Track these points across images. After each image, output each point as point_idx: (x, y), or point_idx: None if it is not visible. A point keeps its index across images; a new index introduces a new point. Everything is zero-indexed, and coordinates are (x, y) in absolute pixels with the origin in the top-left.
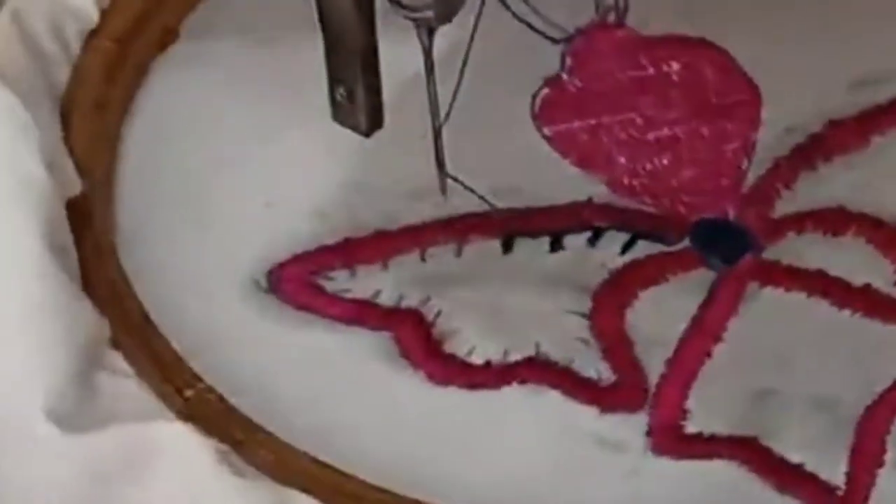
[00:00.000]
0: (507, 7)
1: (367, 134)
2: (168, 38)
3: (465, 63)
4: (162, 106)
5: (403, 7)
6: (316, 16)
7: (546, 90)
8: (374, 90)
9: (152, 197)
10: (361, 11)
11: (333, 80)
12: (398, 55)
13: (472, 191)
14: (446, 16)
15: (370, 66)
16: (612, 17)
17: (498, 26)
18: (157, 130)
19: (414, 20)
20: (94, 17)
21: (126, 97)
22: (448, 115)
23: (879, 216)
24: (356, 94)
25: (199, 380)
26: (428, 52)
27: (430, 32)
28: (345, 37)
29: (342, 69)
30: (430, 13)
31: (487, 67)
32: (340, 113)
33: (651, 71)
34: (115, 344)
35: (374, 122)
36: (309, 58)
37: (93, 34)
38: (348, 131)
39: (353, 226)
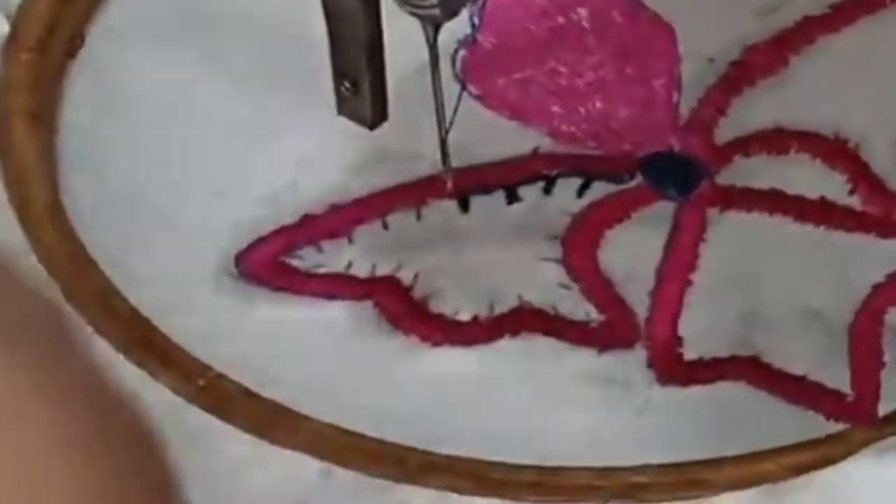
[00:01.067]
0: None
1: (372, 126)
2: (75, 43)
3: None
4: (88, 112)
5: (409, 3)
6: (322, 9)
7: (463, 51)
8: (380, 82)
9: (105, 206)
10: (367, 3)
11: (338, 73)
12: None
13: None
14: (452, 11)
15: (376, 58)
16: None
17: None
18: (91, 138)
19: (419, 16)
20: (3, 28)
21: (53, 107)
22: (455, 111)
23: (816, 130)
24: (362, 87)
25: (209, 368)
26: (433, 47)
27: (436, 28)
28: (350, 29)
29: (347, 62)
30: (435, 9)
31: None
32: (345, 105)
33: (561, 20)
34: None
35: (379, 114)
36: (227, 46)
37: (9, 46)
38: (283, 114)
39: (305, 205)
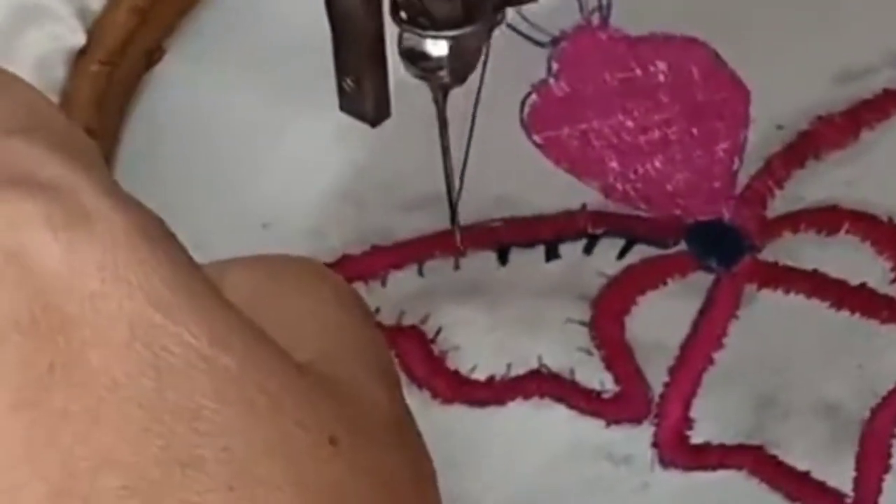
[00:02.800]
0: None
1: (374, 124)
2: (155, 56)
3: (474, 112)
4: (151, 128)
5: (417, 66)
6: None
7: (534, 96)
8: (381, 80)
9: None
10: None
11: (341, 70)
12: None
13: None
14: (461, 76)
15: (377, 55)
16: (596, 18)
17: None
18: (146, 155)
19: (428, 80)
20: (81, 41)
21: (115, 122)
22: (463, 171)
23: (872, 213)
24: (364, 84)
25: None
26: (442, 112)
27: (445, 92)
28: (352, 26)
29: (350, 59)
30: (444, 74)
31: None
32: (347, 102)
33: (638, 72)
34: None
35: (380, 111)
36: (302, 76)
37: (80, 57)
38: (340, 147)
39: (349, 242)
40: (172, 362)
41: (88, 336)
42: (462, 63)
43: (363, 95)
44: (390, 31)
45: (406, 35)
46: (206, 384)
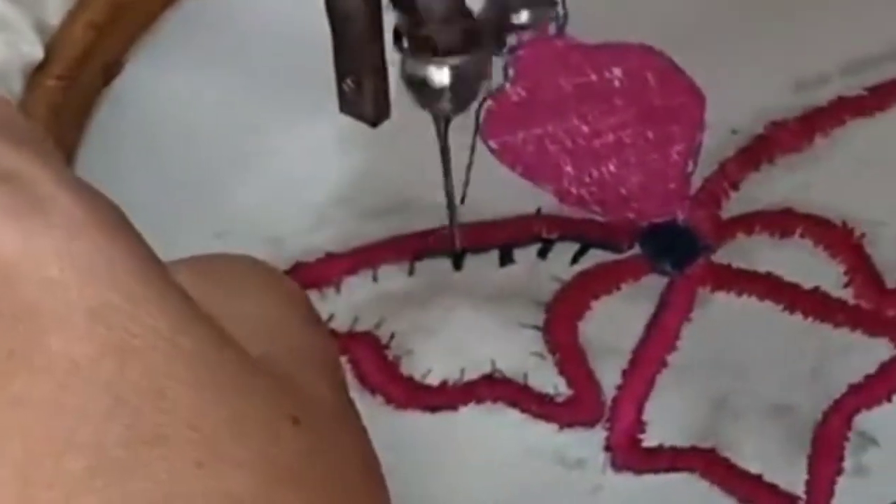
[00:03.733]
0: None
1: (375, 124)
2: (113, 70)
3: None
4: (107, 141)
5: (420, 94)
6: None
7: (489, 102)
8: (381, 80)
9: None
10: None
11: (341, 72)
12: None
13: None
14: (463, 104)
15: (377, 55)
16: (552, 28)
17: None
18: (103, 168)
19: (430, 108)
20: (39, 55)
21: (72, 135)
22: (463, 197)
23: (825, 217)
24: (363, 85)
25: None
26: (444, 140)
27: (447, 121)
28: (353, 27)
29: (350, 60)
30: (446, 102)
31: None
32: (347, 103)
33: (594, 77)
34: None
35: (380, 111)
36: (264, 86)
37: (37, 72)
38: (298, 156)
39: (304, 250)
40: (135, 343)
41: (48, 322)
42: (464, 91)
43: (363, 96)
44: (390, 31)
45: (409, 62)
46: (168, 364)
